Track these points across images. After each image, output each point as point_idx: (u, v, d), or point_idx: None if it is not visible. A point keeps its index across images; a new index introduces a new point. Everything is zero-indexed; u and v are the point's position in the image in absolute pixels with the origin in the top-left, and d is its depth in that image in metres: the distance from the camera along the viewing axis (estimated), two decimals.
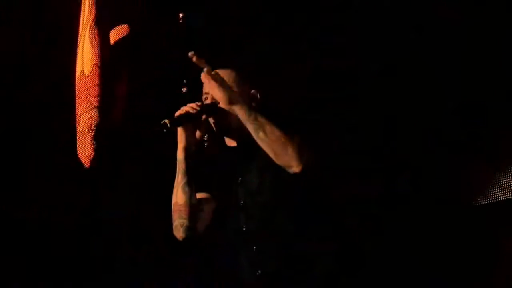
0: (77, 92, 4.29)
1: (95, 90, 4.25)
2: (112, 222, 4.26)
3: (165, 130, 2.72)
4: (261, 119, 2.63)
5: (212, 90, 2.66)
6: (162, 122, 2.72)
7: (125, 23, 4.37)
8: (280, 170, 2.72)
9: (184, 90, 3.99)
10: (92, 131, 4.18)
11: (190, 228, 2.80)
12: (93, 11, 4.29)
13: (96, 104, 4.22)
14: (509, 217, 3.52)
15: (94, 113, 4.21)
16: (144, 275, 4.19)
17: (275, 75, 3.95)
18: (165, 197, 2.94)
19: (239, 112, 2.61)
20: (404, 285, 3.60)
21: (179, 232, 2.81)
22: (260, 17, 4.14)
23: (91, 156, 4.17)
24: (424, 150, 3.83)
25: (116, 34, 4.38)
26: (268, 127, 2.61)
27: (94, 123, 4.20)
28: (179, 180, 2.81)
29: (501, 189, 3.56)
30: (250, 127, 2.61)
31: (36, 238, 4.23)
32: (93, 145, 4.15)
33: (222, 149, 2.95)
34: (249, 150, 2.82)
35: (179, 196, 2.81)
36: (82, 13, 4.32)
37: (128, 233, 4.28)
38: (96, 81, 4.26)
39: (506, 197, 3.55)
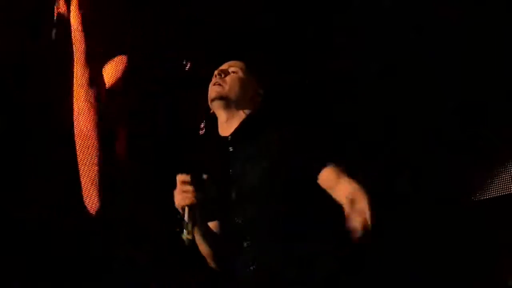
0: (77, 147, 4.38)
1: (94, 150, 4.36)
2: (111, 221, 4.26)
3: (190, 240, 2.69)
4: None
5: None
6: (184, 239, 2.66)
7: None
8: (273, 164, 2.71)
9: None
10: (95, 185, 4.28)
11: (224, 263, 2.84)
12: (86, 74, 4.38)
13: (95, 161, 4.32)
14: (508, 213, 3.51)
15: (94, 169, 4.31)
16: (143, 275, 4.19)
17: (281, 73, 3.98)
18: (164, 197, 2.93)
19: None
20: (404, 285, 3.59)
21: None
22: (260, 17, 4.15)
23: (98, 206, 4.26)
24: (424, 150, 3.83)
25: (115, 65, 4.44)
26: None
27: (96, 178, 4.29)
28: (206, 251, 2.82)
29: (499, 184, 3.55)
30: None
31: (36, 238, 4.24)
32: (99, 197, 4.25)
33: (215, 138, 2.92)
34: (243, 140, 2.80)
35: (202, 249, 2.82)
36: (75, 74, 4.40)
37: (127, 232, 4.28)
38: (95, 142, 4.36)
39: (504, 192, 3.54)
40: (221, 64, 2.97)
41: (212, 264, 2.86)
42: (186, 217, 2.64)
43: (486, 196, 3.60)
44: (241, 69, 2.91)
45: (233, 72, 2.90)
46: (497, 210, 3.56)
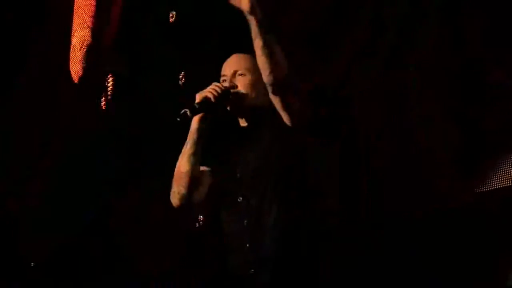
0: (75, 7, 4.40)
1: (91, 10, 4.38)
2: (113, 221, 4.27)
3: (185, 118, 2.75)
4: (274, 38, 2.62)
5: None
6: (182, 112, 2.73)
7: None
8: (281, 157, 2.74)
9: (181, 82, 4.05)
10: (83, 49, 4.31)
11: (186, 198, 2.85)
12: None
13: (89, 24, 4.35)
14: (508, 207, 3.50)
15: (87, 33, 4.35)
16: (144, 275, 4.19)
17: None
18: (166, 195, 2.94)
19: (255, 23, 2.58)
20: (405, 284, 3.59)
21: (174, 199, 2.88)
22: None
23: (79, 73, 4.30)
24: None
25: None
26: (278, 48, 2.62)
27: (86, 43, 4.32)
28: (188, 148, 2.85)
29: (501, 176, 3.53)
30: (259, 42, 2.59)
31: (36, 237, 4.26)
32: (83, 64, 4.28)
33: (233, 126, 2.96)
34: (256, 132, 2.83)
35: (183, 164, 2.85)
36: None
37: (128, 232, 4.29)
38: (93, 1, 4.37)
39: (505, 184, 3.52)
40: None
41: (178, 190, 2.86)
42: (197, 102, 2.79)
43: (487, 188, 3.58)
44: (247, 69, 2.91)
45: (240, 74, 2.91)
46: (497, 204, 3.54)
